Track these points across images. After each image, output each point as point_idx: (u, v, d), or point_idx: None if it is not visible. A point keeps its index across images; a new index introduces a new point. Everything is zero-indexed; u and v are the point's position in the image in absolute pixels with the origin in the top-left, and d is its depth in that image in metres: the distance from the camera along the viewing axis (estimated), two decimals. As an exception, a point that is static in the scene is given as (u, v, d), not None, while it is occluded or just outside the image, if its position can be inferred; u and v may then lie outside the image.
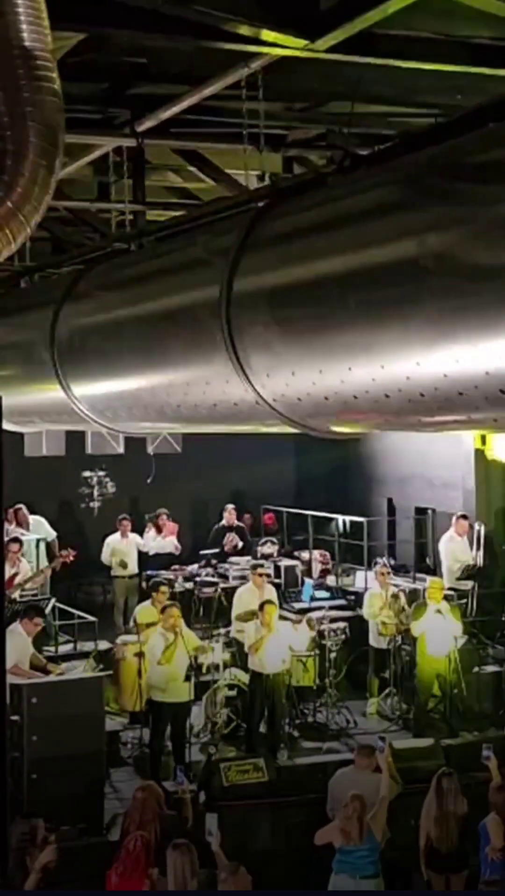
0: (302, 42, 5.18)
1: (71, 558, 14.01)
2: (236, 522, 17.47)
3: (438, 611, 12.60)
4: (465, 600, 14.25)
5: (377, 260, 4.03)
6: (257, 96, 6.39)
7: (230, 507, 17.49)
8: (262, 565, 14.01)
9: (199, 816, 8.77)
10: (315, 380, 4.85)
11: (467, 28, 5.80)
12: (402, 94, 7.35)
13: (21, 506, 16.07)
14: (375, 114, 7.64)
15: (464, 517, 15.26)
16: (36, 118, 4.80)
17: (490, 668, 13.29)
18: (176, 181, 9.28)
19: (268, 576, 13.83)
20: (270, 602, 12.30)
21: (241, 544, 16.89)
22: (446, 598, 13.09)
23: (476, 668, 13.08)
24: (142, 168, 8.21)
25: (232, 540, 16.89)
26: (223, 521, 17.34)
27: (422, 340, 3.91)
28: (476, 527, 15.31)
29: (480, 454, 15.83)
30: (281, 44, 5.23)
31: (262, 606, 12.15)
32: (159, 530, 16.78)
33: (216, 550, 16.46)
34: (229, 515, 17.41)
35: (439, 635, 12.48)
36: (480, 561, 15.00)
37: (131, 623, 14.60)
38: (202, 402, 6.17)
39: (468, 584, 14.56)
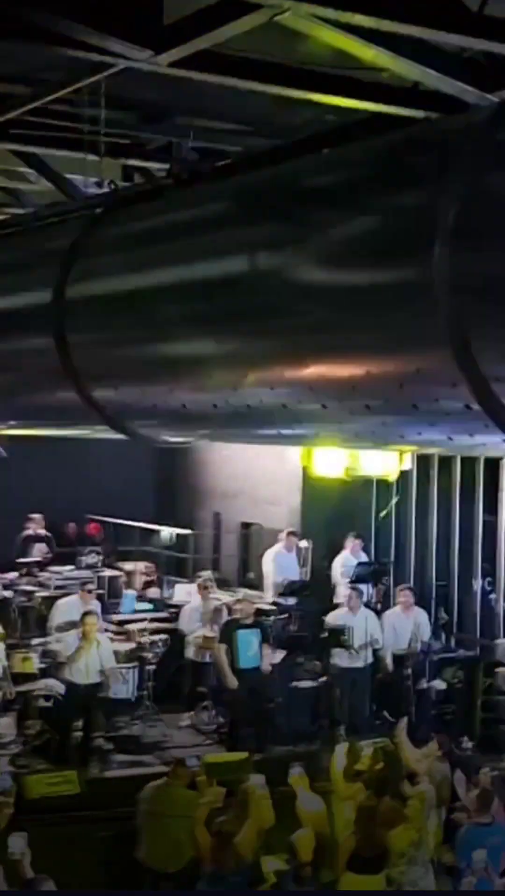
0: (146, 54, 5.18)
1: None
2: (41, 531, 16.98)
3: (248, 625, 12.72)
4: (286, 615, 14.43)
5: (207, 273, 4.07)
6: (99, 103, 6.37)
7: (36, 516, 16.95)
8: (90, 581, 13.72)
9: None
10: (144, 388, 4.87)
11: (313, 56, 5.90)
12: (243, 113, 7.44)
13: None
14: (217, 130, 7.71)
15: (293, 533, 15.48)
16: None
17: (306, 684, 13.48)
18: (14, 184, 9.16)
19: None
20: (90, 613, 12.21)
21: (50, 554, 16.53)
22: (265, 612, 13.22)
23: (293, 683, 13.25)
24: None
25: (41, 549, 16.50)
26: (29, 531, 16.86)
27: (246, 354, 3.97)
28: (303, 544, 15.56)
29: (305, 471, 16.06)
30: (125, 55, 5.22)
31: (82, 617, 12.04)
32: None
33: (37, 559, 16.14)
34: (35, 525, 16.88)
35: (251, 649, 12.58)
36: (306, 577, 15.28)
37: None
38: (33, 403, 6.12)
39: (291, 600, 14.75)
